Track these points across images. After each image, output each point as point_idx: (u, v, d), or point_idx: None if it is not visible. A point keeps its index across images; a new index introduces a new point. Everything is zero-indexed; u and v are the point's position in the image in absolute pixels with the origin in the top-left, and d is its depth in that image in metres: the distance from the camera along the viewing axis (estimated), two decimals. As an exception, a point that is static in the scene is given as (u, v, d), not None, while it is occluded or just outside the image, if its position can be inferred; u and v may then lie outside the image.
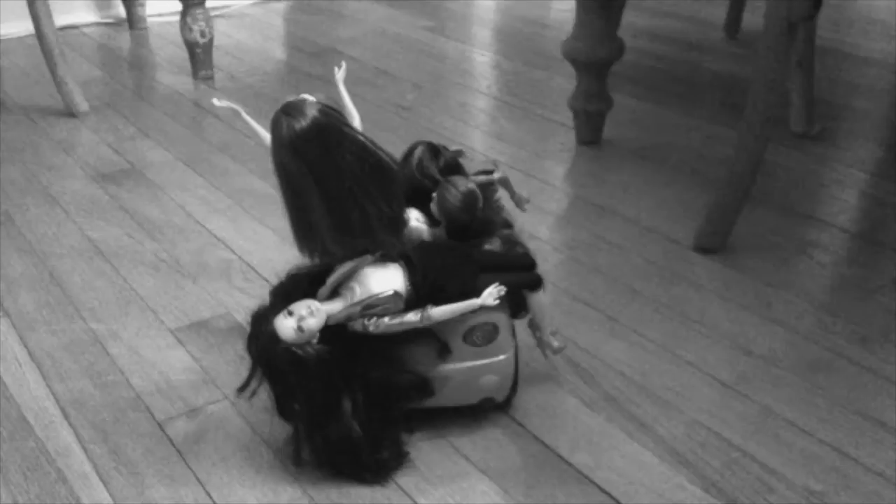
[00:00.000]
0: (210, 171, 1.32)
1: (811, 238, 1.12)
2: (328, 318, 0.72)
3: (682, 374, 0.87)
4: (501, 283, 0.73)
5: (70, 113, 1.53)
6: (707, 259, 1.07)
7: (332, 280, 0.73)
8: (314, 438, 0.74)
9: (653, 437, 0.79)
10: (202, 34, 1.70)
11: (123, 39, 2.01)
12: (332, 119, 0.70)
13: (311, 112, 0.69)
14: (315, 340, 0.72)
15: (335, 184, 0.70)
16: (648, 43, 1.95)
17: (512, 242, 0.81)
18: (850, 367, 0.88)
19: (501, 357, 0.77)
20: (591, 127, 1.40)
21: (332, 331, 0.72)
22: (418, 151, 0.80)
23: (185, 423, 0.81)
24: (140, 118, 1.53)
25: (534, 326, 0.83)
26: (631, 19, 2.06)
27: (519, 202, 0.94)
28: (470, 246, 0.78)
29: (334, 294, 0.73)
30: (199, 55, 1.71)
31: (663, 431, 0.80)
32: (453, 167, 0.81)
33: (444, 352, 0.75)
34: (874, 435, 0.80)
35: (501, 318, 0.76)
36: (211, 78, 1.73)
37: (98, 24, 2.12)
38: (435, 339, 0.75)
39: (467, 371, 0.76)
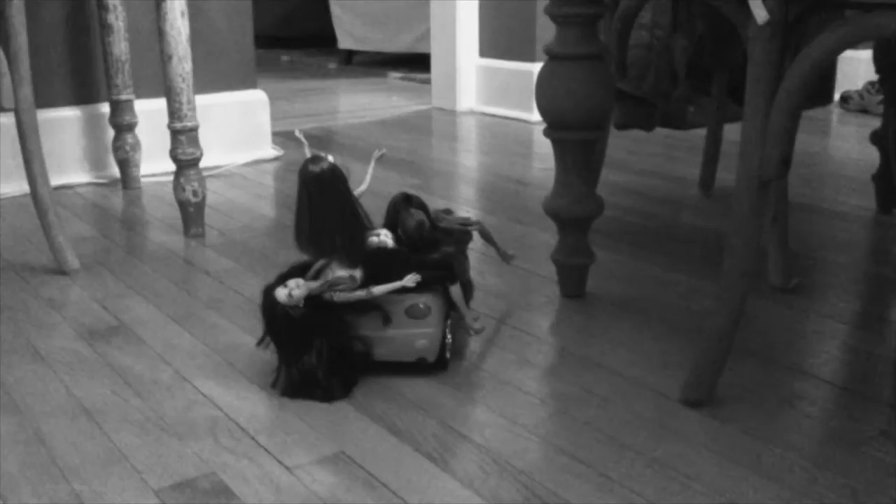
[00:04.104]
0: (198, 328, 1.33)
1: (796, 389, 1.13)
2: (309, 291, 1.08)
3: (675, 531, 0.86)
4: (420, 275, 1.09)
5: (61, 271, 1.55)
6: (695, 412, 1.07)
7: (315, 268, 1.12)
8: (291, 369, 1.10)
9: None
10: (195, 194, 1.74)
11: (117, 199, 2.06)
12: (334, 176, 1.08)
13: (323, 166, 1.08)
14: (301, 305, 1.08)
15: (319, 214, 1.08)
16: (627, 199, 2.01)
17: (448, 255, 1.17)
18: (842, 522, 0.87)
19: (431, 329, 1.12)
20: (574, 281, 1.43)
21: (313, 301, 1.09)
22: (396, 197, 1.21)
23: (167, 588, 0.79)
24: (130, 276, 1.55)
25: (458, 313, 1.18)
26: (610, 178, 2.15)
27: (504, 256, 1.31)
28: (409, 253, 1.15)
29: (316, 277, 1.10)
30: (191, 214, 1.75)
31: (658, 591, 0.78)
32: (419, 208, 1.20)
33: (387, 319, 1.12)
34: (872, 592, 0.78)
35: (434, 302, 1.12)
36: (202, 236, 1.76)
37: (92, 183, 2.18)
38: (382, 310, 1.11)
39: (406, 335, 1.12)
